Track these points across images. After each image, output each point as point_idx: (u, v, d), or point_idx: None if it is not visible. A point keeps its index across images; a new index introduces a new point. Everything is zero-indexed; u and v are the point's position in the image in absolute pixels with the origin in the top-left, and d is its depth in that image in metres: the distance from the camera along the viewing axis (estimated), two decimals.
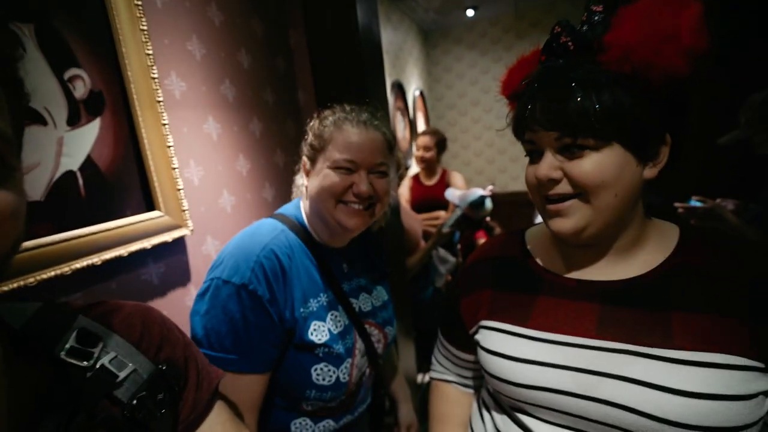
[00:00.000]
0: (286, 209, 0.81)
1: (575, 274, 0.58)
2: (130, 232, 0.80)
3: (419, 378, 2.08)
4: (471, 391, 0.76)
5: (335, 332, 0.73)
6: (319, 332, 0.71)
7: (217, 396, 0.48)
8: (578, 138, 0.48)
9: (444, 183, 2.61)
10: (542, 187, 0.53)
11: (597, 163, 0.49)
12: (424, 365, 1.97)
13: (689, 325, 0.48)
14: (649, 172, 0.51)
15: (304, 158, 0.78)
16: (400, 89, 2.97)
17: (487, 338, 0.61)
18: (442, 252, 2.16)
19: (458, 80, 4.03)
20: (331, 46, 1.35)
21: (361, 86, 1.35)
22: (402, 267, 1.71)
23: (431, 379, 0.82)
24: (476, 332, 0.64)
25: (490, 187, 2.02)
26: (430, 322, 1.92)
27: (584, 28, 0.50)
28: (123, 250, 0.78)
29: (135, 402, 0.38)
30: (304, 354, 0.70)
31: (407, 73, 3.28)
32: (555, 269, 0.60)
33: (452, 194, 2.14)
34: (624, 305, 0.52)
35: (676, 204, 1.51)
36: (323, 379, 0.71)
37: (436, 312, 1.94)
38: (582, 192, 0.50)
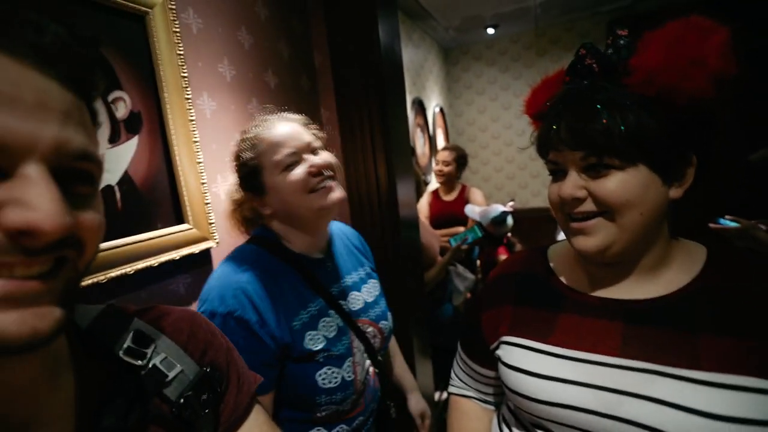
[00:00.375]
0: (259, 232, 0.82)
1: (598, 293, 0.57)
2: (161, 243, 0.84)
3: (437, 396, 2.04)
4: (491, 407, 0.76)
5: (330, 336, 0.75)
6: (315, 340, 0.73)
7: (256, 400, 0.50)
8: (603, 158, 0.49)
9: (463, 199, 2.61)
10: (566, 206, 0.53)
11: (622, 182, 0.49)
12: (442, 383, 1.94)
13: (717, 346, 0.47)
14: (675, 193, 0.52)
15: (251, 196, 0.78)
16: (420, 106, 3.01)
17: (508, 354, 0.61)
18: (461, 269, 2.14)
19: (478, 96, 4.06)
20: (353, 66, 1.39)
21: (382, 104, 1.38)
22: (420, 282, 1.71)
23: (450, 394, 0.81)
24: (497, 348, 0.64)
25: (511, 203, 2.01)
26: (448, 339, 1.89)
27: (609, 51, 0.52)
28: (154, 261, 0.82)
29: (182, 401, 0.40)
30: (306, 364, 0.71)
31: (428, 90, 3.33)
32: (578, 287, 0.60)
33: (472, 210, 2.14)
34: (648, 324, 0.52)
35: (710, 224, 1.47)
36: (330, 382, 0.72)
37: (454, 329, 1.92)
38: (607, 211, 0.51)
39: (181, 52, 0.89)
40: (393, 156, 1.42)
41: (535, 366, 0.56)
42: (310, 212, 0.74)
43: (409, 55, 2.88)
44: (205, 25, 1.00)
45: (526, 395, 0.56)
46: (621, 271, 0.56)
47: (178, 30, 0.89)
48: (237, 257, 0.75)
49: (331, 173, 0.76)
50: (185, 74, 0.90)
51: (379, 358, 0.86)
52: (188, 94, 0.90)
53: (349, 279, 0.85)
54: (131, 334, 0.40)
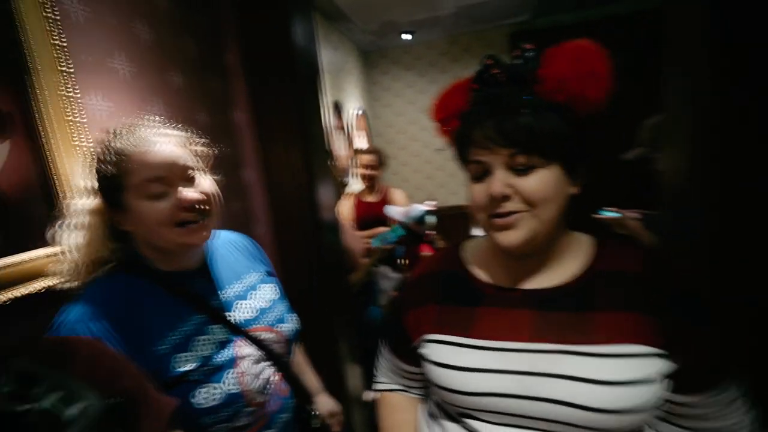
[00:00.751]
0: (122, 253, 0.72)
1: (512, 284, 0.62)
2: (33, 268, 0.71)
3: (366, 395, 2.08)
4: (418, 397, 0.78)
5: (207, 353, 0.68)
6: (184, 362, 0.65)
7: (174, 425, 0.46)
8: (529, 155, 0.54)
9: (386, 200, 2.68)
10: (493, 204, 0.56)
11: (543, 180, 0.54)
12: (370, 382, 1.98)
13: (608, 322, 0.54)
14: (574, 189, 0.59)
15: (108, 207, 0.67)
16: (338, 109, 3.01)
17: (433, 351, 0.63)
18: (384, 269, 2.20)
19: (397, 99, 4.19)
20: (267, 67, 1.35)
21: (299, 107, 1.36)
22: (344, 284, 1.72)
23: (377, 390, 0.82)
24: (421, 346, 0.66)
25: (433, 203, 2.12)
26: (374, 339, 1.94)
27: (517, 62, 0.56)
28: (23, 289, 0.69)
29: None
30: (178, 387, 0.64)
31: (347, 92, 3.34)
32: (493, 280, 0.64)
33: (393, 211, 2.20)
34: (554, 310, 0.58)
35: (593, 215, 1.72)
36: (210, 401, 0.65)
37: (377, 328, 1.97)
38: (529, 208, 0.55)
39: (62, 44, 0.77)
40: (311, 159, 1.40)
41: (460, 360, 0.59)
42: (172, 245, 0.67)
43: (327, 57, 2.86)
44: (94, 14, 0.89)
45: (453, 389, 0.59)
46: (530, 263, 0.61)
47: (56, 17, 0.77)
48: (88, 293, 0.65)
49: (206, 208, 0.68)
50: (69, 69, 0.78)
51: (285, 360, 0.82)
52: (74, 92, 0.79)
53: (235, 288, 0.79)
54: (10, 376, 0.35)
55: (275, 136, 1.38)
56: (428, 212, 2.02)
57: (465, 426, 0.61)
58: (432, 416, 0.70)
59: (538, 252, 0.60)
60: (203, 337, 0.69)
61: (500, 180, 0.54)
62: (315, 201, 1.41)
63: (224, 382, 0.68)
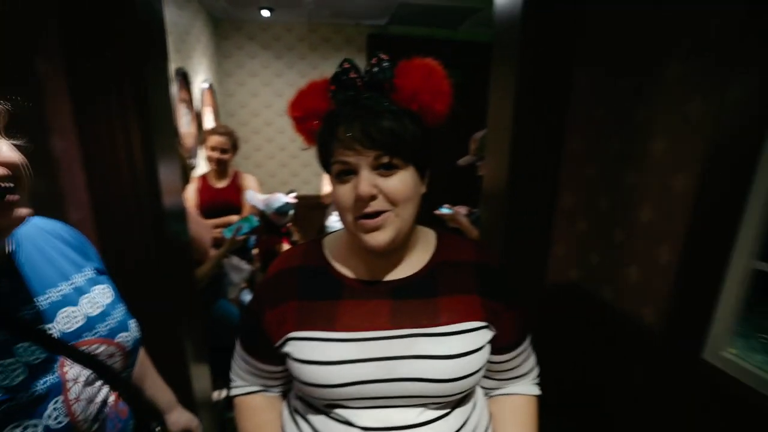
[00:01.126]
0: None
1: (371, 277, 0.66)
2: None
3: (215, 395, 1.91)
4: (278, 395, 0.78)
5: (14, 383, 0.51)
6: None
7: None
8: (392, 157, 0.57)
9: (236, 186, 2.49)
10: (360, 205, 0.58)
11: (404, 180, 0.59)
12: (219, 381, 1.83)
13: (449, 305, 0.64)
14: (424, 189, 0.65)
15: None
16: (184, 79, 2.62)
17: (297, 349, 0.62)
18: (235, 260, 2.06)
19: (251, 78, 3.90)
20: (92, 15, 1.08)
21: (138, 70, 1.13)
22: (190, 279, 1.54)
23: (233, 396, 0.78)
24: (284, 345, 0.65)
25: (293, 194, 2.07)
26: (225, 336, 1.80)
27: (375, 70, 0.59)
28: None
29: None
30: None
31: (194, 61, 2.93)
32: (353, 274, 0.67)
33: (254, 197, 2.07)
34: (407, 298, 0.64)
35: (434, 212, 1.99)
36: None
37: (230, 325, 1.83)
38: (392, 207, 0.59)
39: None
40: (154, 135, 1.20)
41: (325, 355, 0.60)
42: None
43: (171, 17, 2.44)
44: None
45: (320, 383, 0.60)
46: (389, 257, 0.66)
47: None
48: None
49: (9, 184, 0.49)
50: None
51: (123, 375, 0.68)
52: None
53: (56, 291, 0.62)
54: None
55: (97, 96, 1.11)
56: (290, 204, 1.98)
57: (332, 416, 0.64)
58: (296, 411, 0.71)
59: (397, 248, 0.64)
60: (7, 361, 0.51)
61: (367, 180, 0.56)
62: (158, 185, 1.21)
63: (48, 416, 0.52)
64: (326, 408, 0.65)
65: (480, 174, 2.39)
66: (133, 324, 0.72)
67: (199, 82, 3.09)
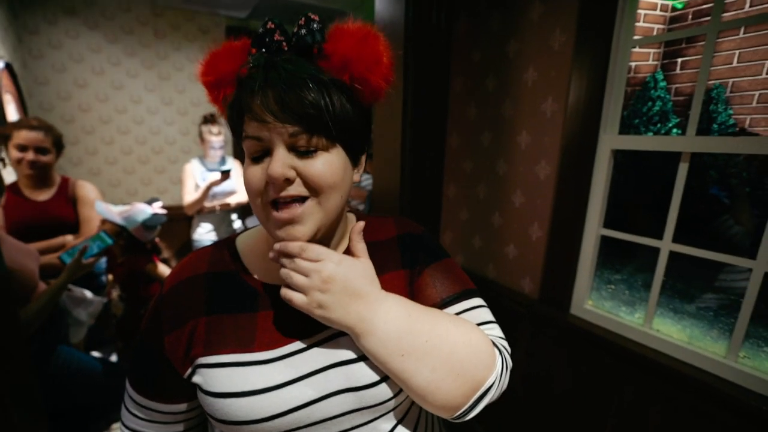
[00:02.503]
0: None
1: None
2: None
3: None
4: None
5: None
6: None
7: None
8: (314, 135, 0.47)
9: (66, 197, 1.95)
10: (273, 189, 0.48)
11: (329, 163, 0.49)
12: None
13: None
14: (356, 177, 0.56)
15: None
16: None
17: (210, 379, 0.49)
18: (78, 291, 1.60)
19: (74, 64, 3.11)
20: None
21: None
22: (12, 326, 1.12)
23: None
24: (193, 374, 0.51)
25: (159, 203, 1.72)
26: (69, 394, 1.37)
27: (302, 32, 0.50)
28: None
29: None
30: None
31: None
32: (271, 277, 0.57)
33: (106, 210, 1.64)
34: None
35: None
36: None
37: (74, 379, 1.40)
38: (312, 195, 0.49)
39: None
40: None
41: (244, 384, 0.48)
42: None
43: None
44: None
45: (245, 420, 0.48)
46: None
47: None
48: None
49: None
50: None
51: None
52: None
53: None
54: None
55: None
56: (159, 216, 1.64)
57: None
58: None
59: (323, 241, 0.56)
60: None
61: (281, 160, 0.47)
62: None
63: None
64: None
65: (367, 170, 2.43)
66: None
67: None
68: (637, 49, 2.15)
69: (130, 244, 1.65)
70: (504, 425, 1.69)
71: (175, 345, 0.52)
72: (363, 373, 0.51)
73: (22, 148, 1.77)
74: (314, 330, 0.53)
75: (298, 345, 0.52)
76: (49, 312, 1.33)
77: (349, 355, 0.51)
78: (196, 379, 0.51)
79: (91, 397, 1.37)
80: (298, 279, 0.48)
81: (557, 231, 1.40)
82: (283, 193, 0.48)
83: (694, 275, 1.77)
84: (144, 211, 1.64)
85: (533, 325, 1.52)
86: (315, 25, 0.50)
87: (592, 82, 1.25)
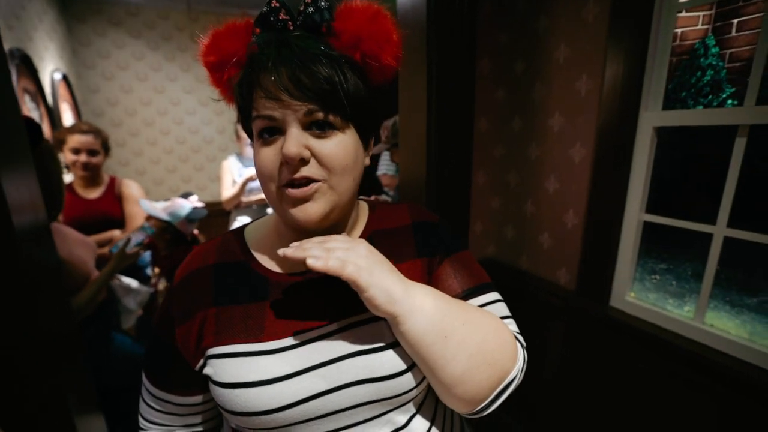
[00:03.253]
0: None
1: (301, 267, 0.55)
2: None
3: None
4: None
5: None
6: None
7: None
8: (329, 113, 0.46)
9: (114, 195, 2.08)
10: (287, 170, 0.47)
11: (342, 145, 0.48)
12: (118, 429, 1.50)
13: None
14: (367, 160, 0.55)
15: None
16: (26, 63, 2.09)
17: (219, 370, 0.49)
18: (126, 281, 1.71)
19: (121, 72, 3.32)
20: None
21: None
22: (65, 312, 1.21)
23: None
24: (204, 365, 0.51)
25: (195, 197, 1.81)
26: (119, 376, 1.47)
27: (310, 10, 0.48)
28: None
29: None
30: None
31: (37, 44, 2.36)
32: (281, 267, 0.55)
33: (151, 207, 1.75)
34: (344, 282, 0.49)
35: None
36: None
37: (125, 362, 1.51)
38: (325, 178, 0.48)
39: None
40: None
41: (254, 374, 0.47)
42: None
43: None
44: None
45: (254, 411, 0.47)
46: None
47: None
48: None
49: None
50: None
51: None
52: None
53: None
54: None
55: None
56: (198, 210, 1.72)
57: None
58: None
59: (332, 227, 0.54)
60: None
61: (295, 138, 0.45)
62: (3, 199, 0.91)
63: None
64: None
65: (395, 161, 2.41)
66: None
67: (50, 71, 2.51)
68: (683, 14, 1.93)
69: (174, 238, 1.74)
70: (539, 422, 1.62)
71: (186, 337, 0.52)
72: (385, 364, 0.49)
73: (76, 151, 1.91)
74: (326, 320, 0.51)
75: (308, 335, 0.50)
76: (98, 298, 1.44)
77: (368, 345, 0.50)
78: (207, 370, 0.51)
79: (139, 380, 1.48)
80: (335, 253, 0.45)
81: (594, 218, 1.31)
82: (297, 174, 0.46)
83: (757, 264, 1.60)
84: (184, 206, 1.73)
85: (570, 318, 1.44)
86: (323, 3, 0.48)
87: (631, 54, 1.15)
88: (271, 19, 0.48)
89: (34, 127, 1.21)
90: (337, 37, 0.48)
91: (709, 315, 1.12)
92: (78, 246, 1.41)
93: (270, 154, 0.47)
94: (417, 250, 0.58)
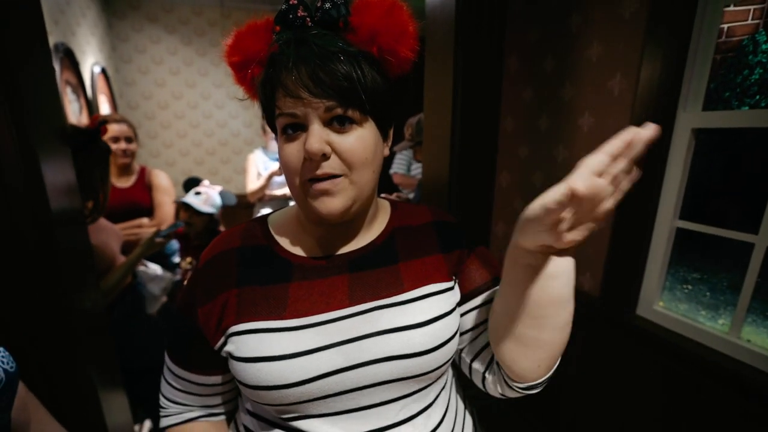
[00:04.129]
0: None
1: (324, 252, 0.57)
2: None
3: (137, 429, 1.62)
4: (223, 418, 0.64)
5: None
6: None
7: None
8: (348, 108, 0.47)
9: (144, 183, 2.16)
10: (310, 165, 0.48)
11: (362, 139, 0.49)
12: (139, 412, 1.56)
13: (409, 269, 0.56)
14: (386, 151, 0.56)
15: None
16: (69, 56, 2.19)
17: (241, 345, 0.51)
18: (152, 267, 1.77)
19: (155, 66, 3.45)
20: None
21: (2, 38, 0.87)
22: (94, 295, 1.27)
23: (165, 428, 0.62)
24: (225, 344, 0.53)
25: (207, 182, 1.88)
26: (144, 357, 1.53)
27: (327, 6, 0.49)
28: None
29: None
30: None
31: (79, 38, 2.48)
32: (304, 251, 0.57)
33: (193, 200, 1.83)
34: (366, 269, 0.55)
35: None
36: None
37: (151, 344, 1.57)
38: (346, 173, 0.49)
39: None
40: (29, 124, 0.94)
41: (277, 348, 0.49)
42: None
43: None
44: None
45: (274, 385, 0.48)
46: (344, 229, 0.57)
47: None
48: None
49: None
50: None
51: None
52: None
53: None
54: None
55: None
56: (225, 193, 1.80)
57: (291, 429, 0.53)
58: (247, 430, 0.59)
59: (354, 218, 0.56)
60: None
61: (317, 134, 0.47)
62: (42, 185, 0.95)
63: None
64: (285, 421, 0.53)
65: (417, 159, 2.39)
66: (8, 356, 0.52)
67: (90, 64, 2.63)
68: (731, 8, 1.80)
69: (212, 228, 1.82)
70: (556, 430, 1.57)
71: (208, 316, 0.54)
72: (415, 341, 0.51)
73: (115, 139, 2.00)
74: (348, 302, 0.53)
75: (332, 314, 0.52)
76: (124, 282, 1.49)
77: (398, 324, 0.51)
78: (228, 347, 0.52)
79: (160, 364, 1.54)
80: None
81: (623, 223, 1.26)
82: (319, 171, 0.48)
83: None
84: (215, 195, 1.80)
85: (593, 325, 1.39)
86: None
87: (670, 52, 1.09)
88: (290, 16, 0.49)
89: (90, 132, 1.29)
90: (354, 32, 0.49)
91: (746, 329, 1.06)
92: (106, 233, 1.47)
93: (294, 149, 0.49)
94: (440, 246, 0.60)
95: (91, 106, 2.51)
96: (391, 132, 0.57)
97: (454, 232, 0.63)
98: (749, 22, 1.78)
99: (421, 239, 0.60)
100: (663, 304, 1.22)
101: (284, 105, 0.48)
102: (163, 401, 0.63)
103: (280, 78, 0.47)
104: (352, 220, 0.56)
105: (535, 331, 0.50)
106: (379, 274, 0.55)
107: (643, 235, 1.21)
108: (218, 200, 1.82)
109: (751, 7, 1.78)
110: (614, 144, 0.35)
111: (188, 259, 1.93)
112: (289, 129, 0.49)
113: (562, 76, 1.43)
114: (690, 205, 1.15)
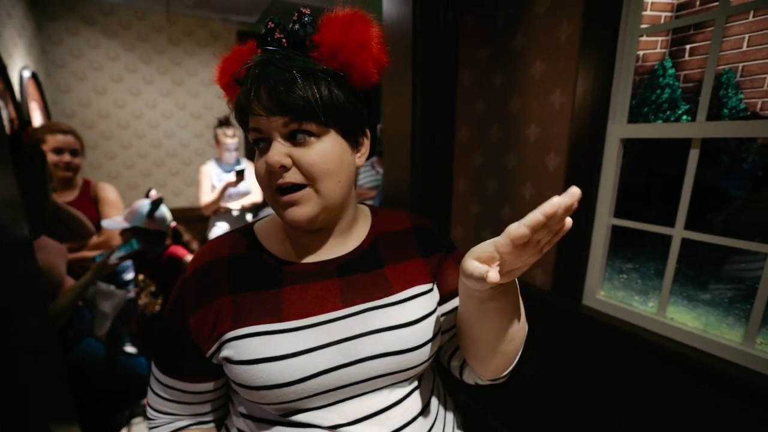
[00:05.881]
0: None
1: (312, 258, 0.60)
2: None
3: None
4: (213, 425, 0.65)
5: None
6: None
7: None
8: (303, 123, 0.51)
9: (89, 197, 2.02)
10: (274, 176, 0.53)
11: (322, 152, 0.52)
12: None
13: (396, 273, 0.61)
14: (359, 161, 0.59)
15: None
16: None
17: (240, 349, 0.53)
18: (102, 285, 1.67)
19: (94, 72, 3.23)
20: None
21: None
22: (41, 320, 1.18)
23: None
24: (219, 350, 0.55)
25: (153, 192, 1.77)
26: (96, 381, 1.43)
27: (296, 27, 0.53)
28: None
29: None
30: None
31: (6, 41, 2.27)
32: (292, 258, 0.60)
33: (113, 223, 1.68)
34: (356, 273, 0.60)
35: None
36: None
37: (102, 367, 1.47)
38: (309, 183, 0.53)
39: None
40: None
41: (278, 348, 0.52)
42: None
43: None
44: None
45: (278, 383, 0.51)
46: (326, 235, 0.61)
47: None
48: None
49: None
50: None
51: None
52: None
53: None
54: None
55: None
56: (156, 202, 1.70)
57: (291, 424, 0.56)
58: None
59: (331, 225, 0.60)
60: None
61: (277, 150, 0.51)
62: None
63: None
64: (283, 416, 0.56)
65: (376, 168, 2.46)
66: None
67: (18, 68, 2.42)
68: (644, 38, 2.14)
69: (154, 240, 1.70)
70: (517, 417, 1.69)
71: (200, 324, 0.55)
72: (409, 337, 0.57)
73: (59, 151, 1.84)
74: (341, 304, 0.57)
75: (327, 316, 0.56)
76: (76, 306, 1.39)
77: (388, 323, 0.57)
78: (224, 353, 0.54)
79: (114, 385, 1.44)
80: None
81: None
82: (280, 181, 0.52)
83: (708, 262, 1.75)
84: (143, 204, 1.69)
85: (546, 316, 1.52)
86: (306, 18, 0.53)
87: (599, 72, 1.26)
88: (269, 39, 0.53)
89: (10, 138, 1.19)
90: (317, 49, 0.52)
91: (669, 309, 1.23)
92: (51, 253, 1.37)
93: (262, 162, 0.53)
94: (419, 250, 0.66)
95: (21, 113, 2.30)
96: (366, 140, 0.60)
97: (432, 236, 0.69)
98: (658, 50, 2.10)
99: (402, 244, 0.66)
100: (604, 293, 1.38)
101: (251, 122, 0.53)
102: (151, 413, 0.63)
103: (245, 98, 0.52)
104: (331, 227, 0.60)
105: (490, 350, 0.59)
106: (368, 278, 0.60)
107: (585, 233, 1.36)
108: (142, 211, 1.67)
109: (659, 38, 2.11)
110: (534, 217, 0.40)
111: (140, 277, 1.82)
112: (260, 142, 0.54)
113: (510, 91, 1.58)
114: (622, 205, 1.32)
